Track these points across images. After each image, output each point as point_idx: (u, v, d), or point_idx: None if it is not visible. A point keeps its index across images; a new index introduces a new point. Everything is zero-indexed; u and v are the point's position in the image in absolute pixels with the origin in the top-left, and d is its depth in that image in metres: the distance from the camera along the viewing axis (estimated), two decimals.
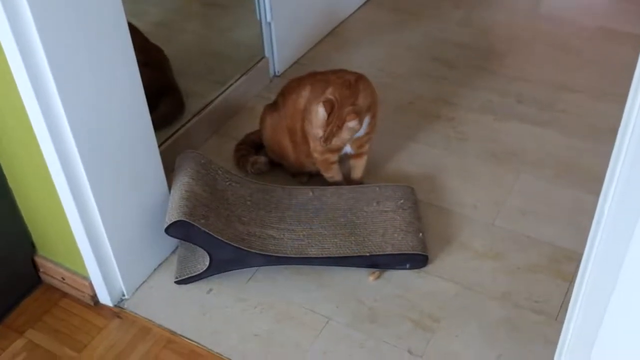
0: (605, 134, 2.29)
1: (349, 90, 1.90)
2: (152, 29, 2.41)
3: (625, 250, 0.86)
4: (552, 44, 2.83)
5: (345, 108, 1.87)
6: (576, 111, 2.45)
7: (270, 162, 2.21)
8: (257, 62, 2.60)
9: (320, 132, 1.90)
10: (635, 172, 0.83)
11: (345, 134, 1.91)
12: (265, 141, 2.19)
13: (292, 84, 2.10)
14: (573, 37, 2.87)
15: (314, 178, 2.15)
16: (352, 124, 1.88)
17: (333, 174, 2.09)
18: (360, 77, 1.97)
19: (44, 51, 1.38)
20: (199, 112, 2.37)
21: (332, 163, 2.06)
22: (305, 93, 2.01)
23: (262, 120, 2.17)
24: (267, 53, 2.63)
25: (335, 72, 2.02)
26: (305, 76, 2.09)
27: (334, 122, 1.87)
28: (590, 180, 2.11)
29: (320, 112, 1.87)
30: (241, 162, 2.22)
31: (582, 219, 1.97)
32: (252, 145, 2.26)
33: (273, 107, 2.14)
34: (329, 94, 1.88)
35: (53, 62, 1.40)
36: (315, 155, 2.04)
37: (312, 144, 2.03)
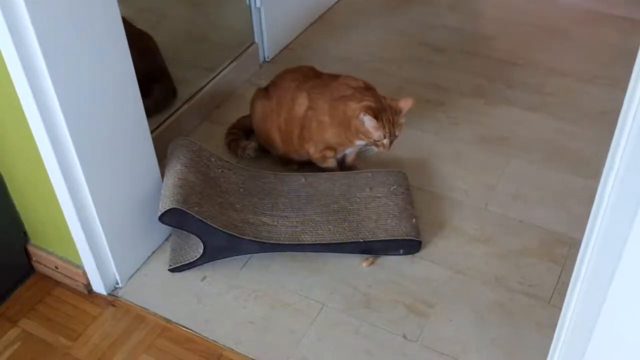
0: (594, 117, 2.31)
1: (369, 90, 1.96)
2: (140, 15, 2.39)
3: (626, 237, 0.86)
4: (540, 27, 2.84)
5: (384, 101, 1.92)
6: (565, 94, 2.47)
7: (260, 148, 2.20)
8: (247, 48, 2.59)
9: (379, 135, 1.91)
10: (636, 157, 0.83)
11: (402, 122, 1.94)
12: (254, 126, 2.19)
13: (286, 82, 2.07)
14: (561, 20, 2.88)
15: (305, 166, 2.15)
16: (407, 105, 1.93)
17: (329, 164, 2.09)
18: (364, 82, 2.00)
19: (36, 36, 1.36)
20: (189, 99, 2.36)
21: (330, 157, 2.07)
22: (303, 101, 2.01)
23: (253, 106, 2.16)
24: (256, 39, 2.62)
25: (332, 76, 2.05)
26: (299, 76, 2.07)
27: (386, 119, 1.90)
28: (580, 163, 2.12)
29: (366, 120, 1.89)
30: (232, 146, 2.22)
31: (572, 202, 1.98)
32: (244, 130, 2.26)
33: (265, 94, 2.12)
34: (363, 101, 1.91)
35: (45, 48, 1.39)
36: (316, 156, 2.06)
37: (311, 149, 2.05)
